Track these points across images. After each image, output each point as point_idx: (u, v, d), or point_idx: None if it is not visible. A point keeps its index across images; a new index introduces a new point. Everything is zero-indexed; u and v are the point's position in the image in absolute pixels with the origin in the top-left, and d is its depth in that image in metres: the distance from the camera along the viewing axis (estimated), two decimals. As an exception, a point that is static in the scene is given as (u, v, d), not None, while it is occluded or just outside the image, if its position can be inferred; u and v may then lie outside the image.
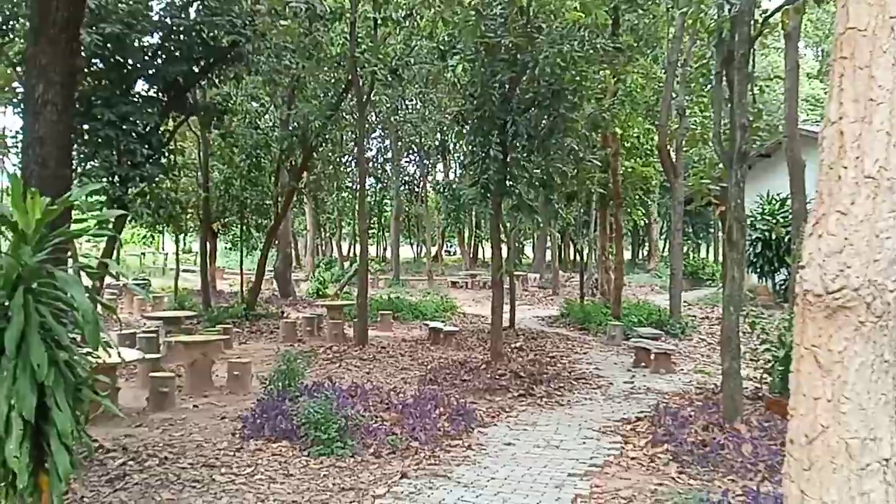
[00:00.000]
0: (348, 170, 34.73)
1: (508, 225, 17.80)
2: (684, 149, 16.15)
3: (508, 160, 11.44)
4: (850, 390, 2.47)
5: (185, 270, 29.78)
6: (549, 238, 32.30)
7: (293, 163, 18.38)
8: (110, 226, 9.30)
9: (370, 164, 37.97)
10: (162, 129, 11.92)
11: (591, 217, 23.38)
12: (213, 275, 24.57)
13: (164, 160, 11.83)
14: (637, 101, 17.99)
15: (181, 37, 11.61)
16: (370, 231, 54.04)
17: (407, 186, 49.55)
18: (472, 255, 49.55)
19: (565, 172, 11.81)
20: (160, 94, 11.90)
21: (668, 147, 16.30)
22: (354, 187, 36.87)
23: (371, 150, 39.80)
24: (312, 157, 18.97)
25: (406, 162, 44.56)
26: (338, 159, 25.01)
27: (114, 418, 7.43)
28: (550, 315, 19.63)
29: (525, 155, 11.68)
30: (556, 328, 17.58)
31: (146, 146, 10.97)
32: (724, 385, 7.60)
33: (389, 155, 37.71)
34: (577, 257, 38.19)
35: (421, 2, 11.75)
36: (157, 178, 11.77)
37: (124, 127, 10.78)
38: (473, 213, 44.82)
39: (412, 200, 49.35)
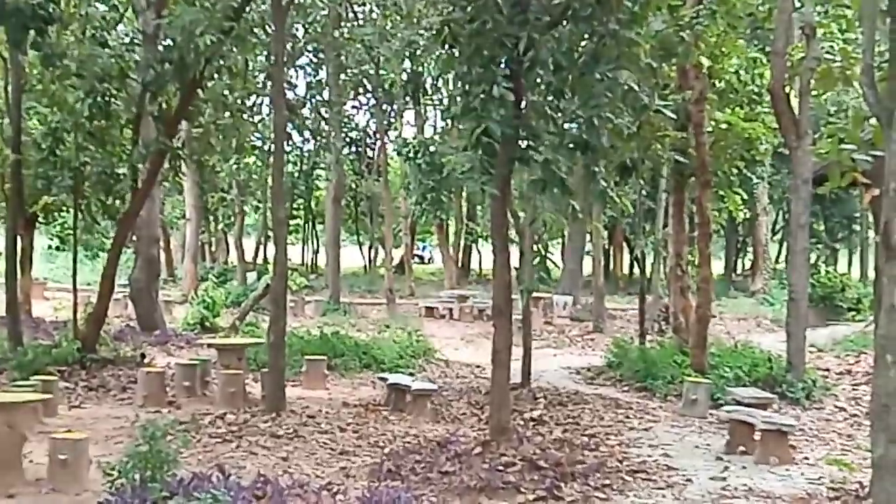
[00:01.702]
0: (257, 119, 34.59)
1: (522, 214, 17.83)
2: (813, 93, 16.26)
3: (524, 106, 11.41)
4: None
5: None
6: (589, 238, 32.38)
7: (164, 106, 18.26)
8: None
9: (294, 111, 37.81)
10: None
11: (658, 203, 23.49)
12: (28, 292, 24.35)
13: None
14: (737, 13, 18.07)
15: None
16: (292, 222, 53.89)
17: (355, 148, 49.50)
18: (460, 264, 49.68)
19: (619, 128, 11.82)
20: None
21: (788, 90, 16.40)
22: (267, 148, 36.75)
23: (296, 86, 39.79)
24: (197, 97, 18.83)
25: (353, 108, 44.71)
26: (239, 102, 24.73)
27: None
28: (590, 365, 19.62)
29: (551, 99, 11.64)
30: (599, 386, 17.50)
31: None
32: (875, 486, 7.60)
33: (326, 96, 37.63)
34: (635, 270, 38.04)
35: None
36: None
37: None
38: (464, 192, 44.87)
39: (362, 171, 49.27)
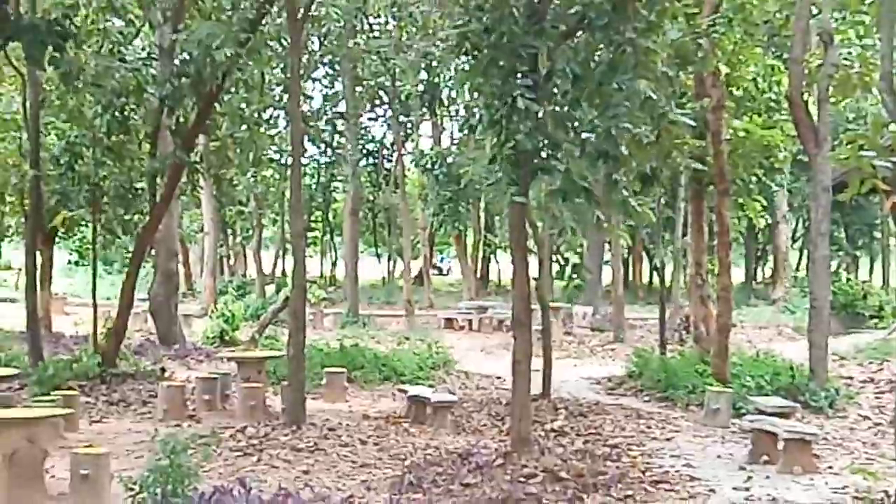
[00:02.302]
0: (274, 132, 34.76)
1: (541, 224, 17.83)
2: (832, 99, 16.21)
3: (541, 115, 11.43)
4: None
5: (-1, 299, 29.73)
6: (608, 247, 32.31)
7: (181, 120, 18.34)
8: None
9: (310, 123, 38.02)
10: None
11: (677, 212, 23.44)
12: (48, 307, 24.49)
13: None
14: (754, 20, 18.05)
15: None
16: (310, 235, 53.95)
17: (372, 159, 49.53)
18: (478, 275, 49.60)
19: (638, 137, 11.81)
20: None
21: (806, 97, 16.35)
22: (284, 161, 36.87)
23: (312, 98, 39.93)
24: (214, 110, 18.93)
25: (370, 120, 44.80)
26: (256, 115, 24.87)
27: None
28: (610, 375, 19.57)
29: (567, 109, 11.66)
30: (620, 397, 17.46)
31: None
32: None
33: (343, 108, 37.77)
34: (655, 279, 37.95)
35: None
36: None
37: None
38: (482, 203, 44.86)
39: (380, 183, 49.31)
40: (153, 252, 22.72)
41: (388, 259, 53.15)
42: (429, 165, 37.79)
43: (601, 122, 11.41)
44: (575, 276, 25.29)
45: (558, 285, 42.57)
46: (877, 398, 16.32)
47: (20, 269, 20.04)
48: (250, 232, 45.89)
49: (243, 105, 20.14)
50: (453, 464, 11.09)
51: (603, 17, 11.25)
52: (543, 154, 11.62)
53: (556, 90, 11.63)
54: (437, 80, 38.70)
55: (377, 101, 41.81)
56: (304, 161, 33.30)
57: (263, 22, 16.88)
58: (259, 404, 14.37)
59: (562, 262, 24.83)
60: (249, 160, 29.12)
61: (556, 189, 12.00)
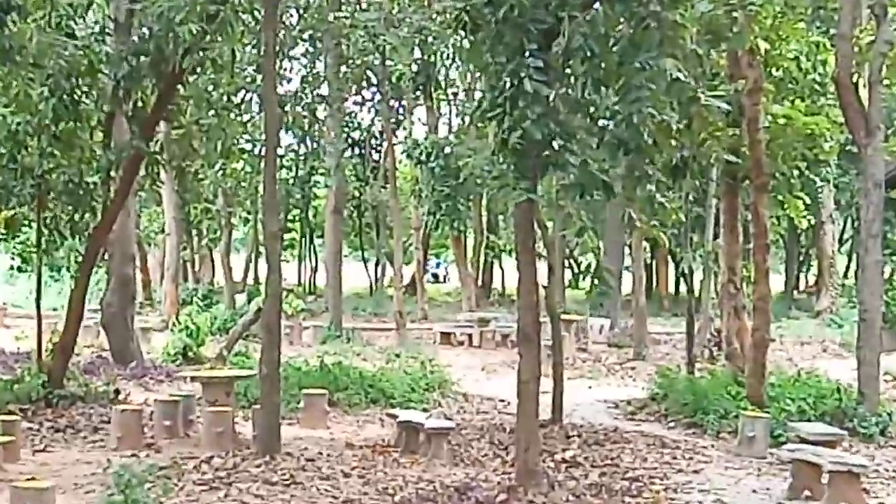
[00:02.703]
0: (245, 118, 34.73)
1: (552, 223, 17.80)
2: (885, 82, 16.20)
3: (552, 100, 11.40)
4: None
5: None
6: (628, 251, 32.30)
7: (139, 105, 18.31)
8: None
9: (287, 109, 37.97)
10: None
11: (707, 210, 23.43)
12: (-14, 318, 24.43)
13: None
14: (795, -9, 18.08)
15: None
16: (287, 236, 53.82)
17: (358, 150, 49.44)
18: (480, 283, 49.60)
19: (666, 124, 11.79)
20: None
21: (855, 78, 16.33)
22: (257, 152, 36.85)
23: (290, 80, 39.82)
24: (177, 93, 18.90)
25: (356, 104, 44.76)
26: (225, 98, 24.82)
27: None
28: (630, 397, 19.58)
29: (583, 93, 11.65)
30: (642, 422, 17.44)
31: None
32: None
33: (325, 91, 37.73)
34: (681, 287, 37.71)
35: None
36: None
37: None
38: (484, 200, 44.76)
39: (367, 177, 49.19)
40: (106, 256, 22.67)
41: (377, 264, 53.17)
42: (423, 157, 37.76)
43: (622, 108, 11.40)
44: (596, 280, 25.28)
45: (571, 294, 42.68)
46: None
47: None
48: (218, 233, 45.75)
49: (211, 87, 20.12)
50: (450, 499, 11.07)
51: (623, -13, 11.27)
52: (555, 145, 11.60)
53: (569, 71, 11.61)
54: (432, 59, 38.69)
55: (364, 84, 41.79)
56: (279, 152, 33.33)
57: (233, -7, 16.85)
58: (227, 431, 14.29)
59: (576, 268, 24.80)
60: (217, 150, 29.16)
61: (570, 183, 11.98)
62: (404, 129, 43.69)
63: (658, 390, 18.79)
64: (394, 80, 37.25)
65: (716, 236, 22.60)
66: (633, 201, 14.21)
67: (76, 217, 20.04)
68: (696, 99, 12.66)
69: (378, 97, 39.62)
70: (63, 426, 15.64)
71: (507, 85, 11.34)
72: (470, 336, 30.50)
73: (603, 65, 11.46)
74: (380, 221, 50.85)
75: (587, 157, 11.47)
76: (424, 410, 17.02)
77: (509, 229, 44.17)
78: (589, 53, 11.36)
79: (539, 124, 11.10)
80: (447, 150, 37.30)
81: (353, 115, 45.30)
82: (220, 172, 38.37)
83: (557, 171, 12.13)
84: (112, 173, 18.29)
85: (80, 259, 20.01)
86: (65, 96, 17.76)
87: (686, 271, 22.62)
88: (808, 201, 23.25)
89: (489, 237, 47.98)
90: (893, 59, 13.48)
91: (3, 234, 26.74)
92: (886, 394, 17.16)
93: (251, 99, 33.90)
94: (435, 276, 64.67)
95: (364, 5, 32.73)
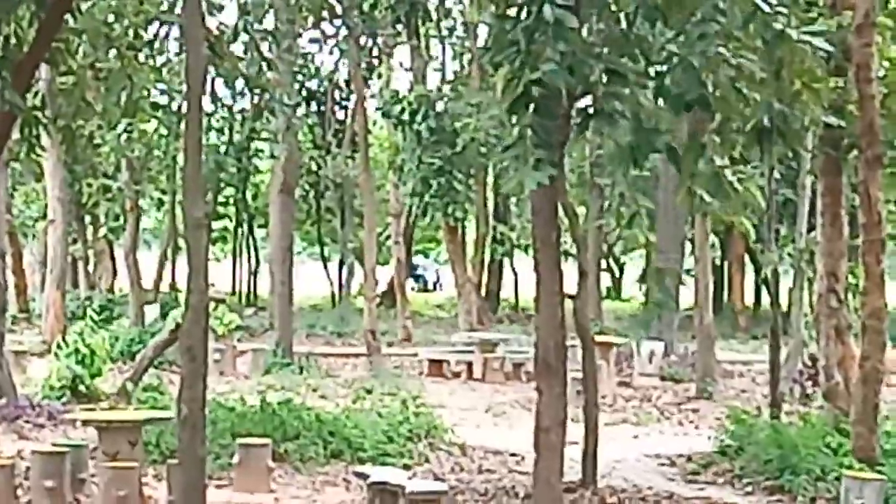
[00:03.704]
0: (160, 61, 34.71)
1: (582, 210, 17.84)
2: None
3: (584, 32, 11.50)
4: None
5: None
6: (690, 250, 32.39)
7: (13, 41, 18.38)
8: None
9: (219, 50, 37.94)
10: None
11: (799, 193, 23.49)
12: None
13: None
14: None
15: None
16: (217, 224, 53.44)
17: (316, 106, 49.14)
18: (484, 291, 49.56)
19: (743, 71, 11.87)
20: None
21: None
22: (176, 108, 36.87)
23: (223, 8, 39.69)
24: (65, 26, 18.97)
25: (313, 42, 44.70)
26: (132, 34, 24.74)
27: None
28: (691, 451, 19.68)
29: (633, 26, 11.75)
30: (707, 486, 17.55)
31: None
32: None
33: (271, 23, 37.80)
34: (763, 298, 37.32)
35: None
36: None
37: None
38: (490, 176, 44.44)
39: (328, 144, 48.89)
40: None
41: (341, 264, 53.25)
42: (406, 116, 37.83)
43: (680, 48, 11.48)
44: (651, 286, 25.30)
45: (611, 308, 42.69)
46: None
47: None
48: (121, 220, 45.84)
49: (111, 18, 20.11)
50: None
51: None
52: (588, 100, 11.68)
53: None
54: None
55: (325, 14, 41.83)
56: (207, 108, 33.38)
57: None
58: (132, 495, 14.34)
59: (616, 270, 24.79)
60: (120, 106, 29.09)
61: (617, 149, 12.04)
62: (380, 76, 43.78)
63: (730, 442, 18.86)
64: (366, 7, 37.24)
65: (811, 229, 22.68)
66: (695, 177, 14.24)
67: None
68: (785, 36, 12.72)
69: (344, 32, 39.54)
70: None
71: (524, 14, 11.43)
72: (469, 365, 30.50)
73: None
74: (345, 205, 50.85)
75: (630, 109, 11.55)
76: (406, 468, 17.07)
77: (524, 216, 44.22)
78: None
79: (560, 69, 11.14)
80: (439, 106, 37.38)
81: (309, 57, 45.28)
82: (125, 136, 38.39)
83: (603, 125, 12.18)
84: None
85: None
86: None
87: (769, 277, 22.72)
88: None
89: (497, 228, 48.02)
90: None
91: None
92: None
93: (168, 34, 33.98)
94: (420, 279, 64.79)
95: None
